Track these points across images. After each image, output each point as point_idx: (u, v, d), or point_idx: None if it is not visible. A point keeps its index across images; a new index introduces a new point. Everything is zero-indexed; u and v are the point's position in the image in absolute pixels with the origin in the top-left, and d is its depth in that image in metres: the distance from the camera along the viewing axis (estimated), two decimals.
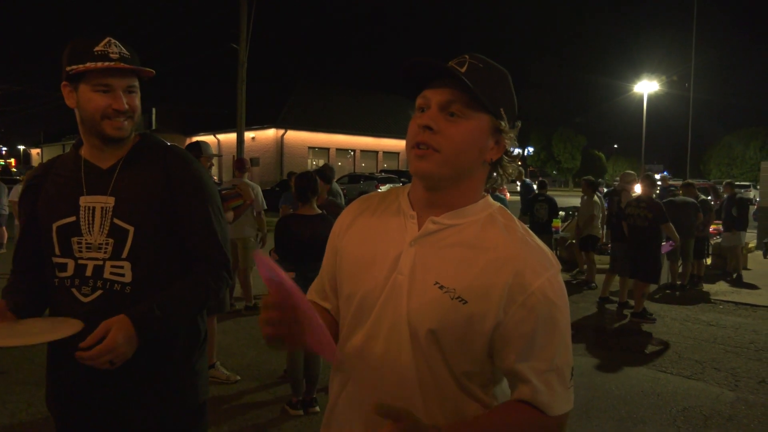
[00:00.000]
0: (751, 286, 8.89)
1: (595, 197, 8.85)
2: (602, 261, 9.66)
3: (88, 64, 1.51)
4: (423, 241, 1.15)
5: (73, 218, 1.58)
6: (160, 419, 1.63)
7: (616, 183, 12.94)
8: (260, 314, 1.10)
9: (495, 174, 1.20)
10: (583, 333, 6.25)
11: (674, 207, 7.82)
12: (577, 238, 8.95)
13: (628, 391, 4.54)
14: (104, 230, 1.57)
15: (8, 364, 4.72)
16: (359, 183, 22.88)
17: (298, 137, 31.65)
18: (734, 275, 9.45)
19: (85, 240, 1.57)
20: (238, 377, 4.52)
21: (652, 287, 7.40)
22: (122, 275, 1.56)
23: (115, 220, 1.57)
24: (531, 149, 60.73)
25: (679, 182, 10.91)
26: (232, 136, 19.35)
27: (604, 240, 10.40)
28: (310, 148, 32.67)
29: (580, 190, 9.48)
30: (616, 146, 71.15)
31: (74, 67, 1.53)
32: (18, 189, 12.76)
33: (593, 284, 8.61)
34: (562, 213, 11.13)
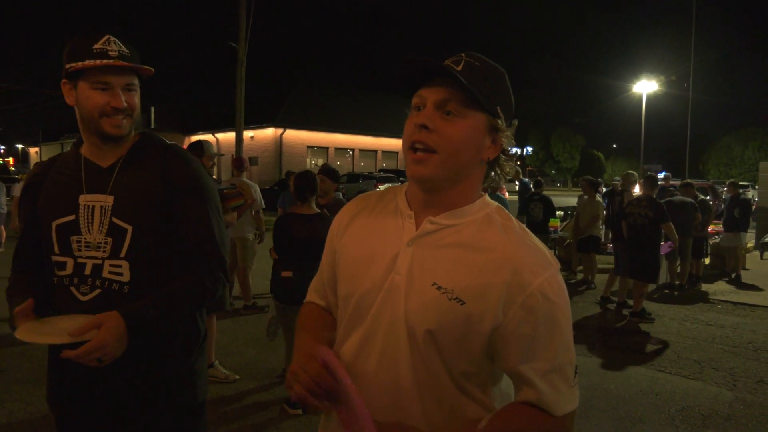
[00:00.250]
0: (750, 286, 8.90)
1: (597, 197, 8.85)
2: (602, 261, 9.67)
3: (86, 62, 1.51)
4: (420, 241, 1.14)
5: (72, 217, 1.58)
6: (159, 418, 1.62)
7: (615, 183, 12.95)
8: (298, 375, 1.11)
9: (492, 173, 1.20)
10: (582, 333, 6.25)
11: (673, 207, 7.83)
12: (575, 238, 8.94)
13: (627, 390, 4.54)
14: (103, 229, 1.56)
15: (7, 362, 4.71)
16: (358, 182, 22.86)
17: (297, 136, 31.62)
18: (733, 275, 9.46)
19: (85, 239, 1.57)
20: (237, 376, 4.52)
21: (651, 287, 7.40)
22: (120, 274, 1.56)
23: (114, 219, 1.57)
24: (530, 149, 60.74)
25: (678, 182, 10.90)
26: (230, 135, 19.32)
27: (604, 240, 10.41)
28: (309, 147, 32.65)
29: (579, 189, 9.46)
30: (615, 146, 71.13)
31: (73, 64, 1.53)
32: (19, 186, 12.76)
33: (593, 285, 8.62)
34: (560, 213, 11.13)
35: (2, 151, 71.04)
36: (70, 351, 1.39)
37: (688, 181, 10.58)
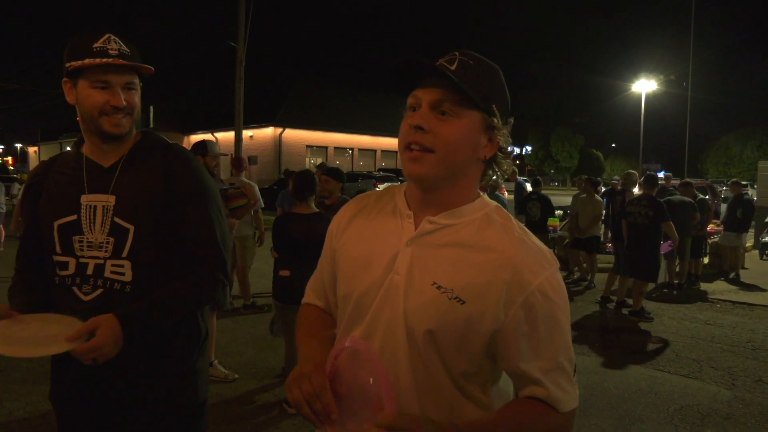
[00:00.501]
0: (749, 286, 8.91)
1: (596, 196, 8.83)
2: (602, 260, 9.67)
3: (86, 61, 1.51)
4: (420, 240, 1.14)
5: (74, 216, 1.58)
6: (160, 418, 1.62)
7: (614, 182, 12.95)
8: (301, 382, 1.07)
9: (490, 171, 1.19)
10: (581, 332, 6.26)
11: (672, 206, 7.84)
12: (572, 237, 8.92)
13: (626, 389, 4.55)
14: (105, 229, 1.56)
15: (6, 362, 4.71)
16: (357, 182, 22.85)
17: (296, 136, 31.60)
18: (731, 275, 9.46)
19: (86, 238, 1.57)
20: (237, 375, 4.52)
21: (650, 286, 7.41)
22: (122, 274, 1.56)
23: (116, 219, 1.57)
24: (529, 148, 60.70)
25: (677, 181, 10.90)
26: (230, 135, 19.31)
27: (603, 239, 10.39)
28: (308, 146, 32.63)
29: (578, 189, 9.43)
30: (614, 145, 71.11)
31: (73, 63, 1.53)
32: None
33: (593, 284, 8.62)
34: (559, 212, 11.12)
35: (1, 150, 70.98)
36: (77, 347, 1.40)
37: (688, 180, 10.59)
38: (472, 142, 1.11)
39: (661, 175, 12.61)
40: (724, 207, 11.12)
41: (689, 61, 26.36)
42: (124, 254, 1.56)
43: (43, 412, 3.79)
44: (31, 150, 53.16)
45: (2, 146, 72.96)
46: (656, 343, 5.92)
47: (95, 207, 1.58)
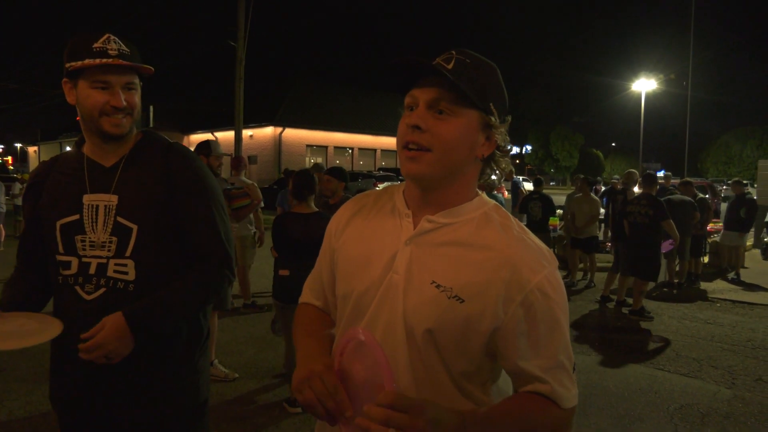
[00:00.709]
0: (749, 285, 8.91)
1: (593, 195, 8.82)
2: (601, 259, 9.67)
3: (86, 61, 1.51)
4: (419, 239, 1.14)
5: (76, 216, 1.58)
6: (162, 417, 1.63)
7: (614, 181, 12.94)
8: (313, 383, 1.05)
9: (488, 170, 1.19)
10: (581, 331, 6.27)
11: (672, 205, 7.84)
12: (569, 236, 8.90)
13: (626, 388, 4.55)
14: (108, 228, 1.57)
15: (6, 361, 4.71)
16: (357, 181, 22.84)
17: (296, 135, 31.60)
18: (731, 274, 9.46)
19: (89, 238, 1.57)
20: (237, 375, 4.52)
21: (650, 285, 7.41)
22: (126, 273, 1.56)
23: (119, 219, 1.57)
24: (529, 147, 60.67)
25: (677, 181, 10.90)
26: (230, 134, 19.29)
27: (603, 238, 10.38)
28: (308, 146, 32.63)
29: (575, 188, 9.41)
30: (614, 144, 71.04)
31: (73, 63, 1.53)
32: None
33: (593, 283, 8.62)
34: (560, 211, 11.11)
35: (1, 150, 70.99)
36: (81, 345, 1.43)
37: (687, 179, 10.58)
38: (470, 141, 1.11)
39: (660, 174, 12.61)
40: (724, 206, 11.12)
41: (689, 60, 26.35)
42: (128, 253, 1.57)
43: (44, 411, 3.79)
44: (31, 150, 53.15)
45: (2, 146, 72.97)
46: (656, 342, 5.93)
47: (97, 206, 1.58)
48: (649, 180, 6.94)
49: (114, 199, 1.58)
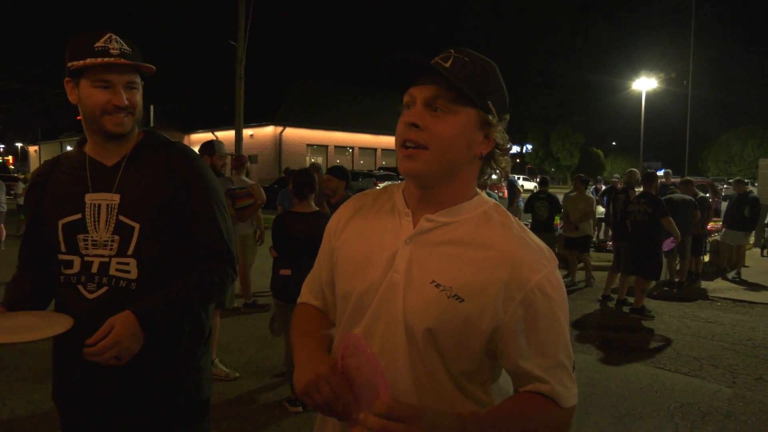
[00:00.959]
0: (749, 284, 8.91)
1: (588, 194, 8.77)
2: (601, 258, 9.66)
3: (88, 60, 1.52)
4: (418, 239, 1.14)
5: (78, 215, 1.59)
6: (163, 416, 1.63)
7: (614, 180, 12.93)
8: (319, 386, 1.06)
9: (488, 169, 1.19)
10: (582, 330, 6.27)
11: (672, 204, 7.84)
12: (565, 236, 8.86)
13: (627, 387, 4.55)
14: (110, 227, 1.57)
15: (7, 360, 4.72)
16: (358, 180, 22.85)
17: (296, 134, 31.60)
18: (732, 273, 9.46)
19: (91, 237, 1.58)
20: (238, 374, 4.52)
21: (652, 284, 7.41)
22: (128, 272, 1.57)
23: (121, 217, 1.58)
24: (529, 146, 60.60)
25: (678, 179, 10.89)
26: (230, 134, 19.29)
27: (604, 237, 10.37)
28: (308, 145, 32.64)
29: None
30: (614, 143, 70.93)
31: (75, 62, 1.53)
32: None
33: (592, 279, 8.61)
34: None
35: (2, 149, 71.03)
36: (89, 349, 1.41)
37: (688, 178, 10.57)
38: (467, 139, 1.11)
39: (660, 173, 12.60)
40: (724, 205, 11.10)
41: (690, 58, 26.33)
42: (130, 252, 1.57)
43: (45, 410, 3.80)
44: (32, 149, 53.16)
45: (3, 145, 73.02)
46: (657, 341, 5.93)
47: (99, 206, 1.59)
48: (648, 179, 6.96)
49: (116, 198, 1.59)
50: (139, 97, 1.62)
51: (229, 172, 7.13)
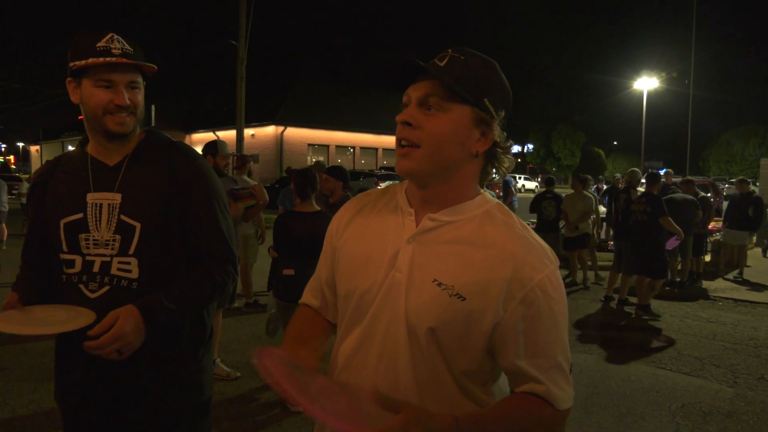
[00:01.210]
0: (751, 283, 8.91)
1: (586, 193, 8.74)
2: (603, 258, 9.65)
3: (90, 60, 1.52)
4: (421, 238, 1.14)
5: (80, 215, 1.59)
6: (165, 415, 1.63)
7: (615, 178, 12.91)
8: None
9: (490, 167, 1.18)
10: (583, 330, 6.27)
11: (674, 204, 7.84)
12: (565, 232, 8.83)
13: (628, 387, 4.55)
14: (111, 227, 1.58)
15: (8, 360, 4.72)
16: (359, 180, 22.87)
17: (297, 134, 31.63)
18: (734, 273, 9.45)
19: (93, 236, 1.58)
20: (239, 374, 4.52)
21: (660, 283, 7.38)
22: (129, 271, 1.57)
23: (122, 217, 1.58)
24: (530, 146, 60.57)
25: (679, 179, 10.88)
26: (231, 133, 19.32)
27: (604, 237, 10.35)
28: (309, 145, 32.66)
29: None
30: (615, 143, 70.86)
31: (77, 62, 1.54)
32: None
33: (588, 282, 8.58)
34: None
35: (3, 149, 71.12)
36: (91, 342, 1.41)
37: (689, 177, 10.56)
38: (461, 136, 1.11)
39: (661, 172, 12.59)
40: (725, 205, 11.08)
41: (691, 58, 26.31)
42: (131, 251, 1.57)
43: (47, 409, 3.80)
44: (33, 149, 53.23)
45: (4, 145, 73.14)
46: (658, 341, 5.92)
47: (101, 205, 1.59)
48: (651, 179, 6.98)
49: (117, 197, 1.59)
50: (140, 96, 1.62)
51: (231, 172, 7.13)
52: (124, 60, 1.54)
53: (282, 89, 33.06)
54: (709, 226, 9.77)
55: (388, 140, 34.88)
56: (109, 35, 1.55)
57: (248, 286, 6.64)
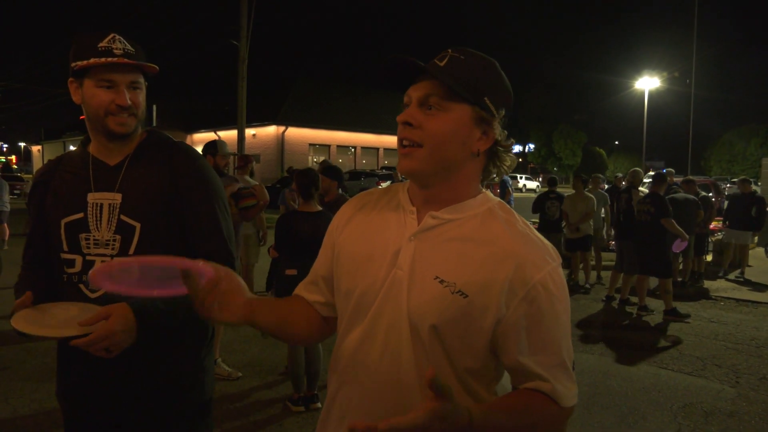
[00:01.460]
0: (753, 283, 8.89)
1: (587, 193, 8.72)
2: (604, 258, 9.63)
3: (91, 60, 1.52)
4: (422, 235, 1.14)
5: (81, 215, 1.59)
6: (167, 415, 1.63)
7: (617, 177, 12.90)
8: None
9: (492, 167, 1.18)
10: (585, 329, 6.26)
11: (675, 204, 7.83)
12: (569, 233, 8.81)
13: (630, 387, 4.55)
14: (111, 227, 1.58)
15: (11, 359, 4.73)
16: (360, 180, 22.89)
17: (298, 134, 31.65)
18: (735, 273, 9.43)
19: (93, 236, 1.58)
20: (240, 374, 4.53)
21: (653, 282, 7.38)
22: None
23: (122, 217, 1.58)
24: (532, 146, 60.57)
25: (680, 179, 10.87)
26: (232, 133, 19.34)
27: (607, 237, 10.32)
28: (310, 144, 32.68)
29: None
30: (617, 143, 70.80)
31: (78, 62, 1.54)
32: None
33: (588, 285, 8.55)
34: None
35: (5, 149, 71.24)
36: (79, 339, 1.39)
37: (690, 177, 10.55)
38: (461, 135, 1.11)
39: (662, 172, 12.57)
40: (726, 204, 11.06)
41: (692, 57, 26.28)
42: (131, 251, 1.57)
43: (48, 409, 3.81)
44: (35, 149, 53.30)
45: (6, 145, 73.25)
46: (660, 340, 5.92)
47: (101, 205, 1.59)
48: (656, 179, 6.97)
49: (118, 197, 1.59)
50: (142, 97, 1.62)
51: (231, 171, 7.13)
52: (125, 60, 1.54)
53: (283, 89, 33.09)
54: (711, 226, 9.75)
55: (390, 140, 34.88)
56: (111, 35, 1.55)
57: (249, 285, 6.63)
